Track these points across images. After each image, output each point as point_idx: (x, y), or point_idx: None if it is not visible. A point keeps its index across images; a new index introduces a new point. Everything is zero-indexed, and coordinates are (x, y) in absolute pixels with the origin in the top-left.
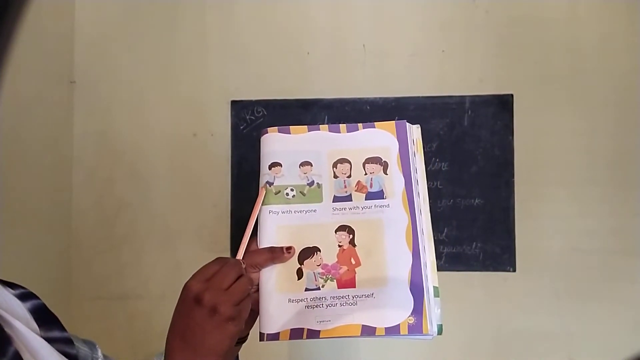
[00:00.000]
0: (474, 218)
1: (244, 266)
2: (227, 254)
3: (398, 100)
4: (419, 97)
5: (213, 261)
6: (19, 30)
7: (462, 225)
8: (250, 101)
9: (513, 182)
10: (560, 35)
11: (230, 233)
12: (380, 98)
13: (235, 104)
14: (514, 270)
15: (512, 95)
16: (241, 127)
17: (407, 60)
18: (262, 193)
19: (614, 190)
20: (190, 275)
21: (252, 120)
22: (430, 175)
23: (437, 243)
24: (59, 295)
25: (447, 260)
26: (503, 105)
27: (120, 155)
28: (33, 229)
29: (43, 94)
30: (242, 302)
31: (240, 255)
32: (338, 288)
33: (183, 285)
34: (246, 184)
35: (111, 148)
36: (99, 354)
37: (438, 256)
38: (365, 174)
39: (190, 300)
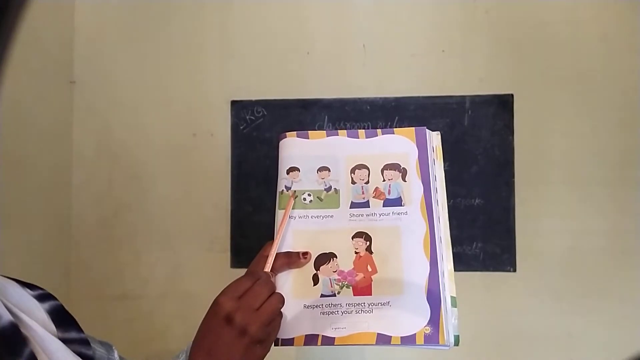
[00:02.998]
0: (474, 218)
1: (274, 280)
2: (227, 254)
3: (398, 100)
4: (419, 97)
5: (244, 277)
6: (19, 30)
7: (462, 225)
8: (250, 101)
9: (513, 182)
10: (561, 35)
11: (230, 233)
12: (380, 98)
13: (235, 104)
14: (514, 270)
15: (512, 95)
16: (241, 127)
17: (407, 60)
18: (290, 203)
19: (615, 190)
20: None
21: (252, 120)
22: None
23: None
24: (59, 295)
25: None
26: (503, 105)
27: (120, 155)
28: (33, 229)
29: (43, 94)
30: (272, 322)
31: (268, 268)
32: (354, 295)
33: (214, 300)
34: (246, 184)
35: (111, 148)
36: (115, 355)
37: None
38: (384, 180)
39: (221, 319)
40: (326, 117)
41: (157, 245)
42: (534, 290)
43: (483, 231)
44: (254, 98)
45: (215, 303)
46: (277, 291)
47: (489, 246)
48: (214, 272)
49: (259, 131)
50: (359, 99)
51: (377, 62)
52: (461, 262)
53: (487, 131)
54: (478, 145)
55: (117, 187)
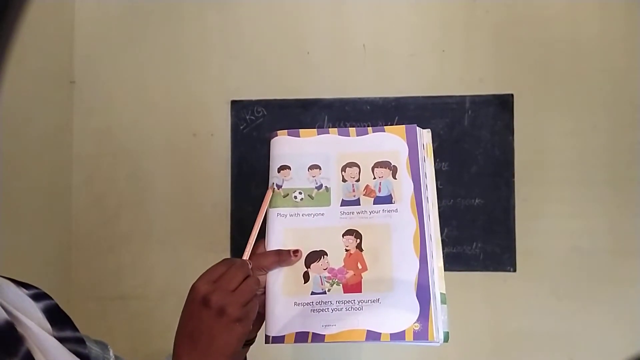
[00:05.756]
0: (474, 218)
1: (250, 267)
2: (227, 254)
3: (398, 100)
4: (419, 97)
5: (220, 262)
6: (19, 30)
7: (462, 225)
8: (250, 101)
9: (513, 182)
10: (561, 35)
11: (230, 233)
12: (380, 98)
13: (235, 104)
14: (514, 271)
15: (512, 95)
16: (241, 127)
17: (407, 60)
18: (268, 194)
19: (615, 190)
20: (193, 275)
21: (252, 120)
22: None
23: None
24: (59, 295)
25: (447, 260)
26: (503, 105)
27: (120, 155)
28: (33, 229)
29: (43, 94)
30: (249, 302)
31: (246, 256)
32: (344, 292)
33: (190, 286)
34: (246, 184)
35: (111, 148)
36: (111, 354)
37: None
38: (374, 178)
39: (198, 302)
40: (326, 117)
41: (157, 245)
42: (534, 290)
43: (483, 231)
44: (254, 98)
45: (192, 289)
46: (264, 287)
47: (489, 246)
48: None
49: (259, 131)
50: (359, 99)
51: (377, 62)
52: (461, 262)
53: (487, 131)
54: (478, 145)
55: (117, 187)
